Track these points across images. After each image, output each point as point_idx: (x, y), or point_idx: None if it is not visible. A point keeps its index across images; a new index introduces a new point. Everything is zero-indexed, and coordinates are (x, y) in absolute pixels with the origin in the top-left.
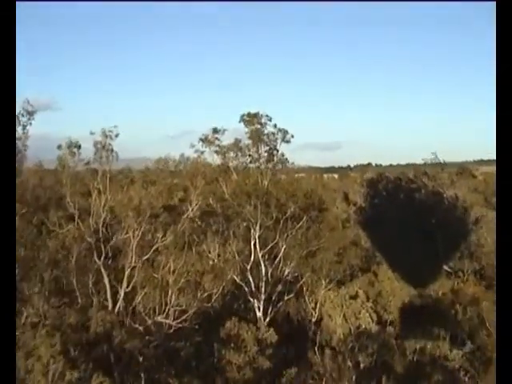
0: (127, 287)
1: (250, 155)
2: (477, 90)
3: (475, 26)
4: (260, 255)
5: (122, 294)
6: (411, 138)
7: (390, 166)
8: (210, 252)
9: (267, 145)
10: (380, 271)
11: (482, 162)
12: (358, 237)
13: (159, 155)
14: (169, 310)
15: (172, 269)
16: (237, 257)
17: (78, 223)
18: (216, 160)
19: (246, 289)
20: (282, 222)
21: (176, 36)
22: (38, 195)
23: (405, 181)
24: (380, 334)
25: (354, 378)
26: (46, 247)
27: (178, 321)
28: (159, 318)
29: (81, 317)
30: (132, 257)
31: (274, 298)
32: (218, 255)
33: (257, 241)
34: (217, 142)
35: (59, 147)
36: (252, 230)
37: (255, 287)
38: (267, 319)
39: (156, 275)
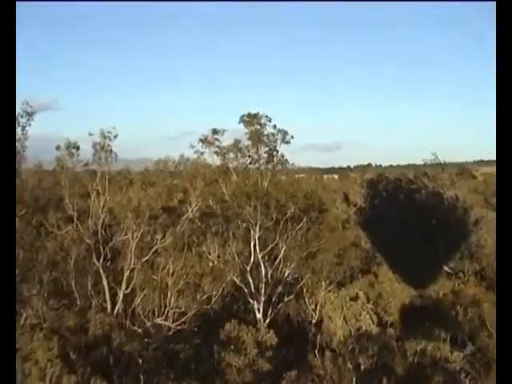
0: (126, 289)
1: (249, 156)
2: (477, 90)
3: (475, 25)
4: (260, 256)
5: (121, 295)
6: (411, 138)
7: (390, 166)
8: (209, 253)
9: (267, 146)
10: (380, 272)
11: (482, 163)
12: (358, 238)
13: (159, 156)
14: (168, 312)
15: (171, 270)
16: (236, 258)
17: (76, 225)
18: (216, 161)
19: (246, 290)
20: (281, 223)
21: (176, 36)
22: (37, 196)
23: (405, 181)
24: (380, 336)
25: (354, 380)
26: (44, 249)
27: (178, 323)
28: (158, 320)
29: (79, 319)
30: (131, 258)
31: (273, 300)
32: (218, 256)
33: (257, 242)
34: (216, 143)
35: (58, 148)
36: (252, 231)
37: (255, 289)
38: (267, 321)
39: (155, 277)
